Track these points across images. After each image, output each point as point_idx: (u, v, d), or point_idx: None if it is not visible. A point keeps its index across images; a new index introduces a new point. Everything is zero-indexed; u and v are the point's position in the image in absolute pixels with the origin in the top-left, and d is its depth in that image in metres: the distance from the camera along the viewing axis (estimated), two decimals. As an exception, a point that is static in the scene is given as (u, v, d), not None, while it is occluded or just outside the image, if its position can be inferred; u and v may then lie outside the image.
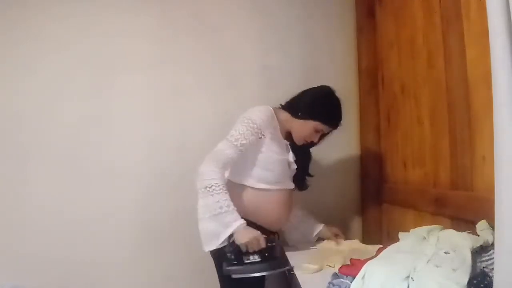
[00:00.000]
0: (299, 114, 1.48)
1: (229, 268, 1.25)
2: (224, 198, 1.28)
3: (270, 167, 1.44)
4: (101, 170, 1.91)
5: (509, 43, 0.63)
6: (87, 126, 1.92)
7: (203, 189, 1.30)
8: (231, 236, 1.26)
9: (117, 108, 1.95)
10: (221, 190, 1.28)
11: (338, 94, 1.54)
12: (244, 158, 1.42)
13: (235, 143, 1.36)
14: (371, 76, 2.01)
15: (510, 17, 0.64)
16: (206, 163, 1.33)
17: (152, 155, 1.95)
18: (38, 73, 1.92)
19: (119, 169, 1.92)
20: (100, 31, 1.97)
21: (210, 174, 1.30)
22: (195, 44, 2.01)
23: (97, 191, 1.91)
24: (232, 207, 1.28)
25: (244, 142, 1.36)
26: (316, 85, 1.59)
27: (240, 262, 1.25)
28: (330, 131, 1.54)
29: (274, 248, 1.29)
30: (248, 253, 1.25)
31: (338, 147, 2.05)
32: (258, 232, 1.28)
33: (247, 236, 1.24)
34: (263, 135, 1.41)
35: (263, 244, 1.26)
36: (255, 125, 1.39)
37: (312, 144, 1.56)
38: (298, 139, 1.52)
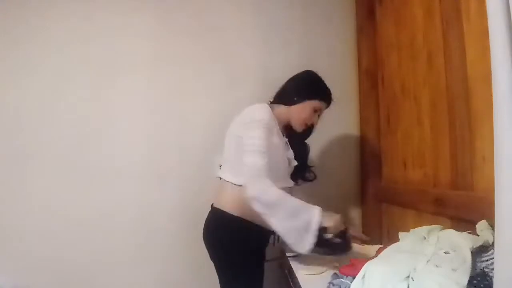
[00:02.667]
0: (295, 99, 1.48)
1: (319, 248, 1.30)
2: (291, 203, 1.27)
3: (271, 166, 1.39)
4: (101, 170, 1.92)
5: (509, 43, 0.63)
6: (87, 126, 1.93)
7: (268, 210, 1.27)
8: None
9: (117, 108, 1.96)
10: (283, 198, 1.27)
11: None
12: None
13: (261, 149, 1.31)
14: (371, 76, 2.01)
15: (510, 17, 0.64)
16: (252, 185, 1.28)
17: (152, 155, 1.95)
18: (38, 73, 1.92)
19: (119, 168, 1.93)
20: (100, 31, 1.97)
21: (264, 194, 1.27)
22: (195, 44, 2.02)
23: (97, 191, 1.91)
24: (302, 203, 1.28)
25: (266, 143, 1.33)
26: None
27: (327, 243, 1.32)
28: (325, 108, 1.55)
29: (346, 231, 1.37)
30: (331, 235, 1.31)
31: (338, 147, 2.06)
32: (339, 215, 1.33)
33: (334, 220, 1.29)
34: (272, 133, 1.40)
35: (342, 227, 1.32)
36: (267, 125, 1.37)
37: (312, 127, 1.55)
38: (300, 124, 1.50)
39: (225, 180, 1.46)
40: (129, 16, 2.00)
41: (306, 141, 1.63)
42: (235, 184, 1.43)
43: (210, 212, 1.50)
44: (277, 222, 1.26)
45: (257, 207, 1.27)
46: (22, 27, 1.93)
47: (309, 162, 1.67)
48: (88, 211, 1.89)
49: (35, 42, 1.93)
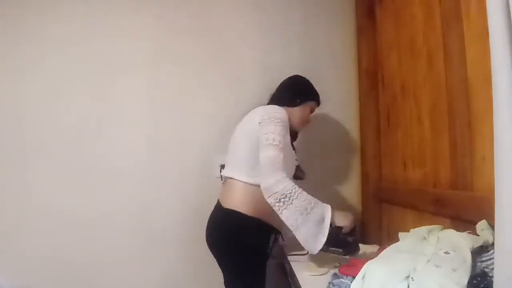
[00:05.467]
0: (298, 101, 1.59)
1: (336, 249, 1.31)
2: (304, 197, 1.27)
3: (285, 164, 1.40)
4: (101, 170, 1.92)
5: (509, 43, 0.63)
6: (87, 127, 1.93)
7: (281, 202, 1.25)
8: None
9: (117, 109, 1.96)
10: (297, 191, 1.27)
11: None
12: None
13: (279, 145, 1.32)
14: (371, 76, 2.01)
15: (510, 17, 0.64)
16: (268, 176, 1.27)
17: (152, 155, 1.96)
18: (38, 73, 1.92)
19: (119, 168, 1.93)
20: (100, 32, 1.97)
21: (279, 185, 1.26)
22: (195, 45, 2.02)
23: (97, 191, 1.91)
24: (314, 199, 1.29)
25: (282, 140, 1.34)
26: (315, 84, 1.66)
27: (343, 243, 1.32)
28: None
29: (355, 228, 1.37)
30: (345, 233, 1.32)
31: (338, 147, 2.06)
32: (349, 212, 1.36)
33: (348, 219, 1.32)
34: (288, 133, 1.43)
35: (353, 224, 1.34)
36: (285, 123, 1.39)
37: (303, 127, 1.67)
38: (301, 124, 1.62)
39: (237, 180, 1.43)
40: (129, 16, 2.00)
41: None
42: (250, 184, 1.40)
43: (219, 212, 1.46)
44: (288, 215, 1.24)
45: (270, 199, 1.26)
46: (22, 27, 1.92)
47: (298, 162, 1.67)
48: (88, 211, 1.89)
49: (35, 42, 1.93)
